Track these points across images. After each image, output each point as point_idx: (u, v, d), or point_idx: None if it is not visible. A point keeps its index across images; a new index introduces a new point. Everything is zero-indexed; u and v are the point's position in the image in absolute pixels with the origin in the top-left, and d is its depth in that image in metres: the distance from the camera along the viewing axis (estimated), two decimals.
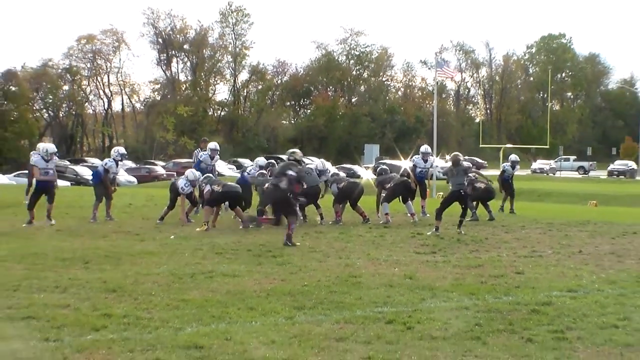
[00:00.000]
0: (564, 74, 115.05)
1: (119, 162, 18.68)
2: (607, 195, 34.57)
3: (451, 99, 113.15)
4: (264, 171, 18.90)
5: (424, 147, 20.84)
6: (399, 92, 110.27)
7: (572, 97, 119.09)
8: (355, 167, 55.36)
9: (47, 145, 17.60)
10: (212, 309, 8.23)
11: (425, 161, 20.23)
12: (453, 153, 17.52)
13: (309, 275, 10.46)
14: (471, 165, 19.32)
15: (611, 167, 71.85)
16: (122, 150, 19.22)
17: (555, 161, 78.00)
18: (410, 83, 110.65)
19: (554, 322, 7.87)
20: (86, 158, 71.42)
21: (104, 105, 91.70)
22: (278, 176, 14.55)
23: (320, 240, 14.59)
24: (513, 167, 21.55)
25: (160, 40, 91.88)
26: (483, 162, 75.50)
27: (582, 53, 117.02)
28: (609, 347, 7.00)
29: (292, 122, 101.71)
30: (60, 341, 6.93)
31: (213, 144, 20.20)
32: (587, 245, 14.31)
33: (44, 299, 8.63)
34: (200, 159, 19.87)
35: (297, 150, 16.60)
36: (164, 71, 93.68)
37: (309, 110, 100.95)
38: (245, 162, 61.74)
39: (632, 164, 72.29)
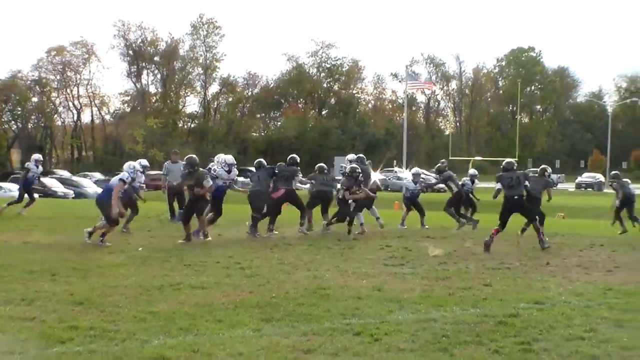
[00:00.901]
0: (533, 87, 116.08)
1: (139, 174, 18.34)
2: (574, 207, 34.78)
3: (421, 111, 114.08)
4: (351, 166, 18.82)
5: (415, 170, 22.32)
6: (369, 105, 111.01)
7: (541, 110, 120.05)
8: None
9: (141, 162, 18.15)
10: (179, 321, 8.19)
11: (416, 183, 21.47)
12: (542, 165, 18.90)
13: (277, 287, 10.44)
14: (553, 182, 20.07)
15: (579, 179, 72.65)
16: (144, 162, 19.63)
17: None
18: (380, 96, 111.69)
19: (521, 333, 7.91)
20: (55, 170, 70.50)
21: (73, 117, 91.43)
22: (518, 186, 15.89)
23: (289, 252, 14.57)
24: (472, 181, 21.72)
25: (130, 52, 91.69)
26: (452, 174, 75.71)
27: (551, 66, 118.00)
28: (575, 359, 7.05)
29: (263, 134, 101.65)
30: (25, 354, 6.87)
31: (230, 158, 18.14)
32: (554, 258, 14.42)
33: (9, 312, 8.54)
34: (215, 173, 17.48)
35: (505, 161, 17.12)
36: (134, 83, 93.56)
37: (279, 122, 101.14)
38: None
39: (600, 177, 72.97)
